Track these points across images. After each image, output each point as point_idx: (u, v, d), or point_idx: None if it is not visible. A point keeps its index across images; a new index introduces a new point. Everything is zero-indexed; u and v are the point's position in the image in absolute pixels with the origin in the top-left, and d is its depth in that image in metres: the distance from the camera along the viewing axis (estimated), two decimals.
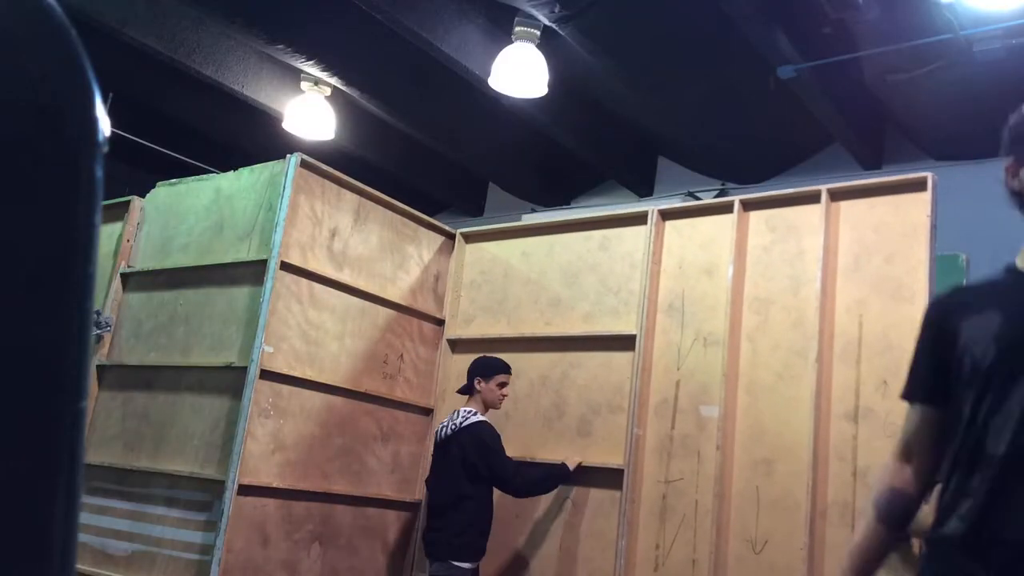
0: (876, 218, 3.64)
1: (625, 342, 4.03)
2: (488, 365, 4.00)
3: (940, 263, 3.59)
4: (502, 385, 3.97)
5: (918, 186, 3.56)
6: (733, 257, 3.87)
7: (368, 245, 4.37)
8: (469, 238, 4.84)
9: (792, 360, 3.65)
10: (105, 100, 0.53)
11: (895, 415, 3.39)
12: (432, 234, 4.76)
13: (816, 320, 3.59)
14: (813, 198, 3.79)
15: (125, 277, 4.47)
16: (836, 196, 3.75)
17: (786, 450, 3.56)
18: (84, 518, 3.84)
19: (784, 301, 3.75)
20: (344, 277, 4.21)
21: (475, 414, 3.88)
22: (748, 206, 3.96)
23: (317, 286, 4.07)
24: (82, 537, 3.94)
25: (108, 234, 4.53)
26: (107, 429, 4.22)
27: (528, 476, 3.87)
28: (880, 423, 3.40)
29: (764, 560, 3.50)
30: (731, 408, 3.72)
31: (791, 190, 3.95)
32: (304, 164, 4.02)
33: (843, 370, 3.54)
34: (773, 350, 3.72)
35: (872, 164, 5.62)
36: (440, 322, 4.72)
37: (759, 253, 3.88)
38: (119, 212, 4.58)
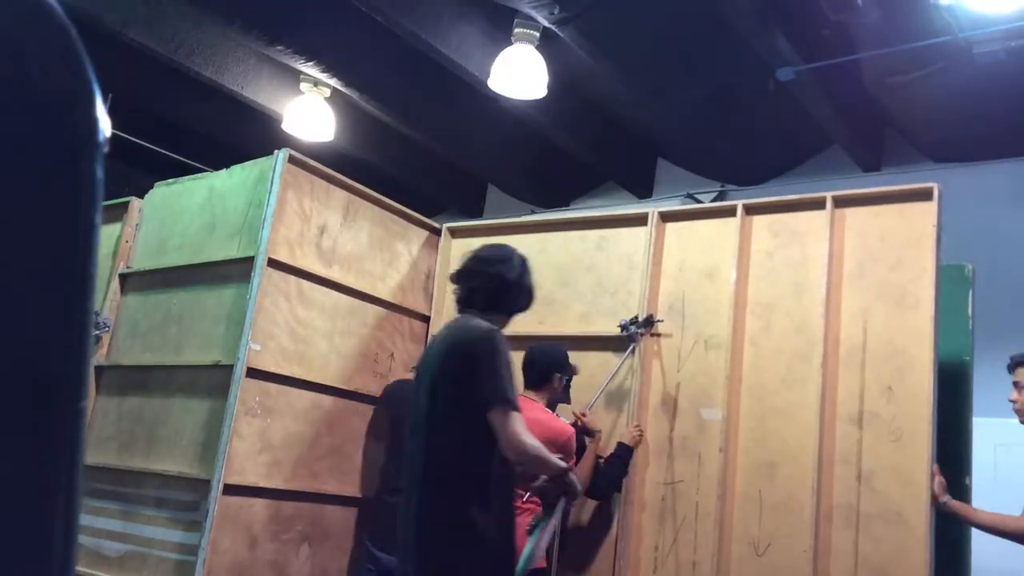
0: (881, 226, 3.63)
1: (624, 343, 4.03)
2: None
3: (946, 272, 3.58)
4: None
5: (924, 196, 3.56)
6: (736, 261, 3.86)
7: (358, 242, 4.33)
8: (456, 233, 4.80)
9: (796, 364, 3.65)
10: (105, 101, 0.53)
11: (900, 419, 3.39)
12: (422, 231, 4.71)
13: (821, 325, 3.59)
14: (817, 204, 3.78)
15: (123, 278, 4.45)
16: (840, 203, 3.74)
17: (789, 453, 3.56)
18: (81, 519, 3.82)
19: (787, 306, 3.75)
20: (333, 274, 4.16)
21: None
22: (751, 211, 3.96)
23: (306, 283, 4.02)
24: (79, 538, 3.93)
25: (107, 235, 4.52)
26: (103, 430, 4.20)
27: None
28: (885, 427, 3.41)
29: (767, 562, 3.50)
30: (734, 411, 3.72)
31: (795, 196, 3.94)
32: (292, 160, 3.98)
33: (848, 375, 3.54)
34: (776, 354, 3.72)
35: (871, 166, 5.62)
36: (428, 319, 4.67)
37: (762, 258, 3.87)
38: (118, 213, 4.56)
